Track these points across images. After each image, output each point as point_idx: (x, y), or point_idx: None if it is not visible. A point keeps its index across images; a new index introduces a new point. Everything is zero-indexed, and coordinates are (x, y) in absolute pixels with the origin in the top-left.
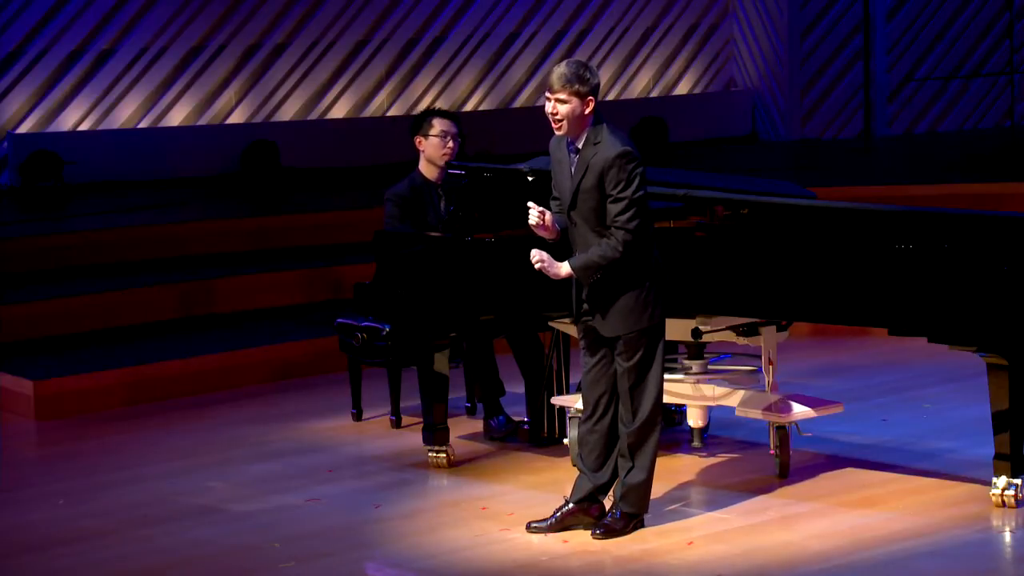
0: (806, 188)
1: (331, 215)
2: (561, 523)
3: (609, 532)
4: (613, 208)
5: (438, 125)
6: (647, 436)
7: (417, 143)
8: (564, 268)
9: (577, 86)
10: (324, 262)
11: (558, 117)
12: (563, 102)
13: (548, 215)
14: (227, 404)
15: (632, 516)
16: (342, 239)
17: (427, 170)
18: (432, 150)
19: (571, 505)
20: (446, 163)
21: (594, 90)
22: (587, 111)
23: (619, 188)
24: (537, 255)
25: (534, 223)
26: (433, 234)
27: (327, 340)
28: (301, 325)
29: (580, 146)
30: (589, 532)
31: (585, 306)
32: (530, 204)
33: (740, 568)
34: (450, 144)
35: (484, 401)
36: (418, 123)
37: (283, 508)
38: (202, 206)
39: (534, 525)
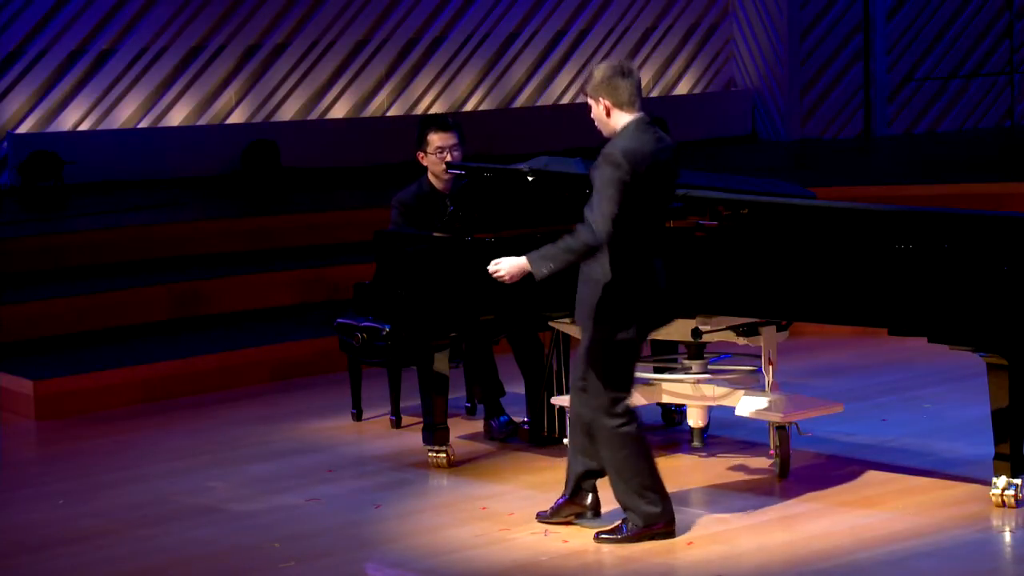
0: (806, 188)
1: (331, 215)
2: (558, 513)
3: (612, 537)
4: (590, 206)
5: (435, 141)
6: (601, 436)
7: (419, 157)
8: (522, 260)
9: (589, 88)
10: (324, 262)
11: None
12: (590, 107)
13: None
14: (227, 404)
15: (640, 525)
16: (342, 239)
17: (434, 180)
18: (433, 166)
19: (565, 497)
20: (448, 165)
21: (604, 90)
22: (603, 112)
23: (600, 185)
24: (492, 266)
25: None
26: (433, 234)
27: (327, 340)
28: (301, 325)
29: None
30: (592, 533)
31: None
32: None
33: (740, 568)
34: (448, 158)
35: (484, 402)
36: (418, 137)
37: (283, 508)
38: (202, 206)
39: (539, 513)
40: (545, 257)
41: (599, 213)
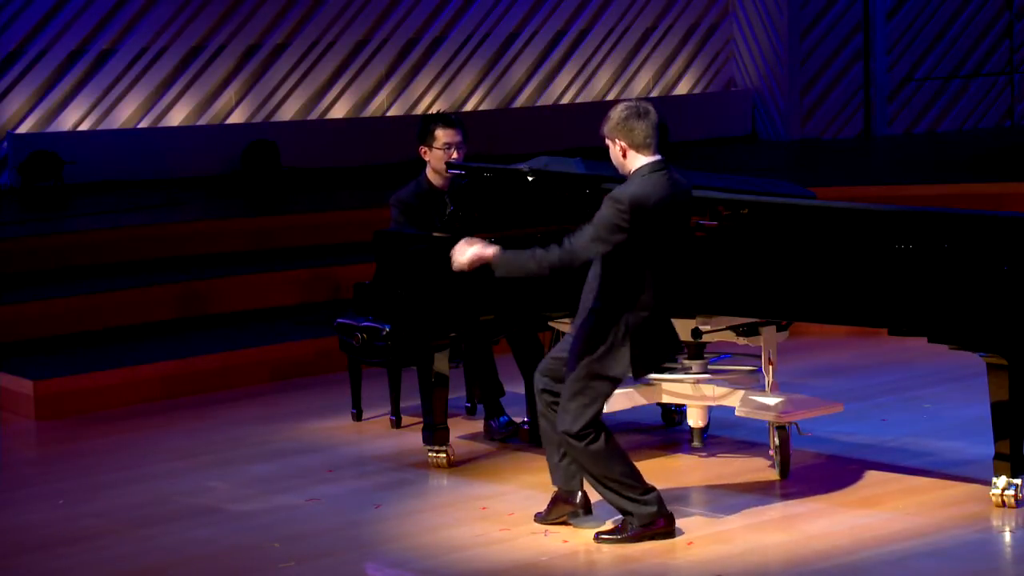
0: (806, 188)
1: (331, 215)
2: (551, 513)
3: (613, 539)
4: (581, 232)
5: (441, 136)
6: (573, 455)
7: (422, 152)
8: (491, 250)
9: (606, 129)
10: (324, 262)
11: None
12: (607, 146)
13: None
14: (227, 404)
15: (637, 526)
16: (342, 239)
17: (434, 177)
18: (436, 161)
19: (556, 494)
20: (448, 165)
21: (619, 131)
22: (620, 153)
23: (597, 219)
24: (455, 259)
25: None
26: (433, 234)
27: (327, 340)
28: (301, 325)
29: None
30: (592, 533)
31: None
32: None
33: (740, 568)
34: (454, 154)
35: (484, 402)
36: (422, 132)
37: (283, 508)
38: (202, 206)
39: (537, 514)
40: (511, 263)
41: (582, 246)
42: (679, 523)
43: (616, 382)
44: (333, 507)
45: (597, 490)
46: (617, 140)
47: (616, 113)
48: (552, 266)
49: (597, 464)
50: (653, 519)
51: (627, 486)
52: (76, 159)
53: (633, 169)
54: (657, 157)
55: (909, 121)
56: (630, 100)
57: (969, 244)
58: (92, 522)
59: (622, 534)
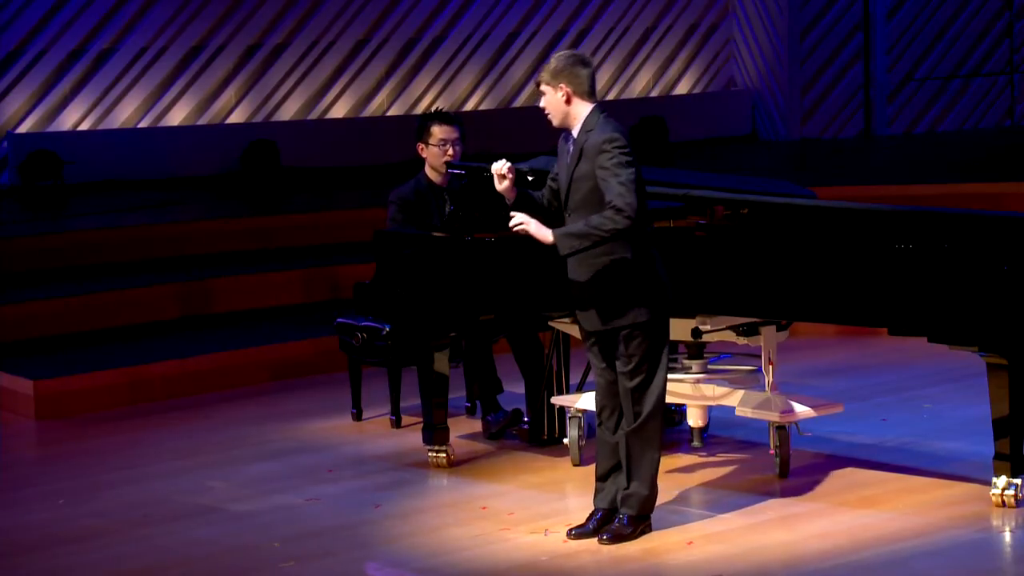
0: (806, 188)
1: (331, 215)
2: (598, 530)
3: (616, 537)
4: (609, 186)
5: (437, 133)
6: (639, 440)
7: (419, 149)
8: (549, 234)
9: (547, 76)
10: (324, 262)
11: (543, 109)
12: (543, 94)
13: (512, 170)
14: (227, 404)
15: (638, 520)
16: (342, 239)
17: (432, 175)
18: (433, 158)
19: (601, 513)
20: (447, 164)
21: (565, 77)
22: (563, 99)
23: (613, 166)
24: (519, 217)
25: (500, 174)
26: (433, 234)
27: (327, 340)
28: (301, 325)
29: (575, 135)
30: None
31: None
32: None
33: (740, 568)
34: (450, 151)
35: (482, 398)
36: (419, 129)
37: (283, 508)
38: (202, 206)
39: (574, 532)
40: (573, 235)
41: (626, 195)
42: (679, 523)
43: (658, 333)
44: (333, 507)
45: (634, 470)
46: (562, 86)
47: (560, 60)
48: (615, 231)
49: (651, 453)
50: (649, 508)
51: (655, 475)
52: (76, 159)
53: (582, 115)
54: (598, 103)
55: (909, 121)
56: (568, 51)
57: (969, 244)
58: (92, 522)
59: (627, 531)
